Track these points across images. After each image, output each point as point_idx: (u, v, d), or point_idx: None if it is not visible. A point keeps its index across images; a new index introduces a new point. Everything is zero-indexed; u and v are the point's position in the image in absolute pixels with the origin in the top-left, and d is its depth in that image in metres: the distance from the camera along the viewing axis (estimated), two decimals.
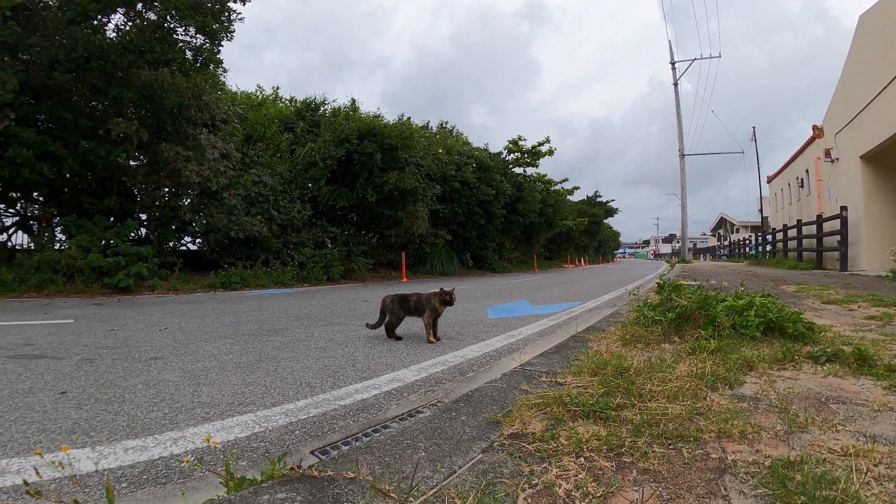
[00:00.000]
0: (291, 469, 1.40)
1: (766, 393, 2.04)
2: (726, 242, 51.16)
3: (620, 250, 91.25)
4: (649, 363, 2.36)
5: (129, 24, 10.00)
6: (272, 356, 3.63)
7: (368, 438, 1.78)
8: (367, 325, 4.51)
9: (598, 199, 46.25)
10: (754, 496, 1.23)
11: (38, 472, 1.39)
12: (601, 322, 4.06)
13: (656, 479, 1.33)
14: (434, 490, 1.29)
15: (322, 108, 17.57)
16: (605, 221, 51.22)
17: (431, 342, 4.04)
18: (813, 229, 15.24)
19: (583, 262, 42.65)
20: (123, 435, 2.08)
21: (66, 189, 10.47)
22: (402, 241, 17.22)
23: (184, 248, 13.32)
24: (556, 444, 1.52)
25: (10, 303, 7.57)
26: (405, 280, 15.55)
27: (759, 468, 1.36)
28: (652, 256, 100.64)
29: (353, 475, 1.34)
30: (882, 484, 1.24)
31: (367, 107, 40.10)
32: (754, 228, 41.74)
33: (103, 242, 9.65)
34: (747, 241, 32.24)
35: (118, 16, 9.81)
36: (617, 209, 48.88)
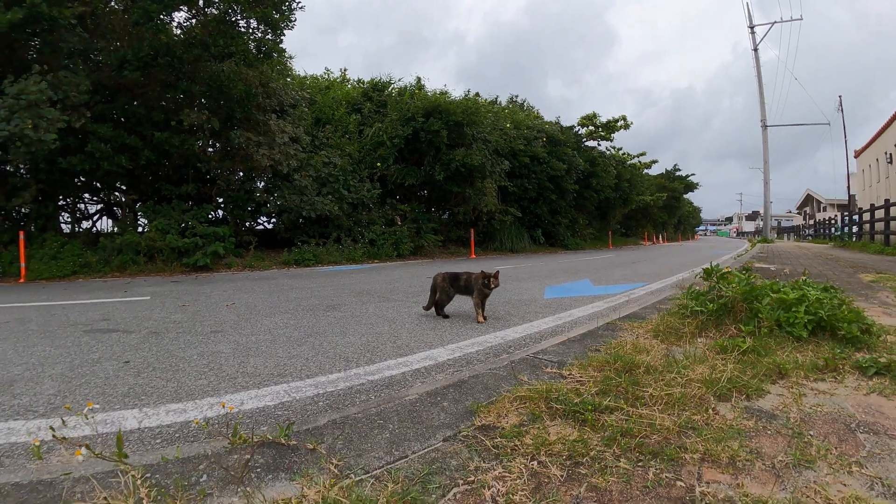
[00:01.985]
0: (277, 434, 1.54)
1: (787, 409, 1.78)
2: (811, 221, 46.58)
3: (702, 227, 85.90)
4: (667, 361, 2.21)
5: (193, 20, 10.61)
6: (322, 331, 3.84)
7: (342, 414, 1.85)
8: (423, 307, 4.55)
9: (678, 173, 43.55)
10: None
11: (63, 422, 1.69)
12: (646, 309, 3.87)
13: (601, 501, 1.21)
14: (376, 471, 1.35)
15: (389, 88, 17.75)
16: (686, 197, 48.23)
17: (480, 322, 4.07)
18: None
19: (661, 239, 40.64)
20: (169, 399, 2.36)
21: (147, 176, 11.44)
22: (471, 218, 17.28)
23: (260, 227, 14.21)
24: (517, 443, 1.48)
25: (94, 282, 8.41)
26: (473, 256, 15.67)
27: None
28: (734, 234, 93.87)
29: (311, 447, 1.46)
30: None
31: (439, 83, 39.75)
32: (841, 207, 37.60)
33: (182, 225, 10.51)
34: (833, 221, 29.18)
35: (182, 13, 10.42)
36: (697, 184, 45.74)
